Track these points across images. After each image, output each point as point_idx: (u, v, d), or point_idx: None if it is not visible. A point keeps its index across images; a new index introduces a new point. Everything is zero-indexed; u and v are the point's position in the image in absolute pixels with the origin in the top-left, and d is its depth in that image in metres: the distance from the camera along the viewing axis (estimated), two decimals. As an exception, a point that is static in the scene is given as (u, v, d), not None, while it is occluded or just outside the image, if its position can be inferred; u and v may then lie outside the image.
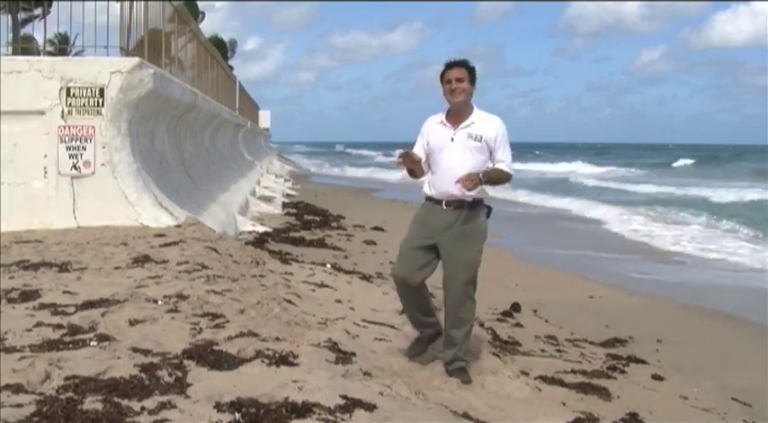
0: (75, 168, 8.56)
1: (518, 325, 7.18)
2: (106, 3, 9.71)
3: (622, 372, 5.74)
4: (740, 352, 6.97)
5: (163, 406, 3.00)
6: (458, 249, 4.50)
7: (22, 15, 26.94)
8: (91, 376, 3.30)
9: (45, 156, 8.59)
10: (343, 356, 4.04)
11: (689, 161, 67.17)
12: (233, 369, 3.56)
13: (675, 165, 64.28)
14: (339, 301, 6.40)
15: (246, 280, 6.16)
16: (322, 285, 7.02)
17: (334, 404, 3.11)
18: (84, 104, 8.55)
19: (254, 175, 22.84)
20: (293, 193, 23.57)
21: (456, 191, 4.44)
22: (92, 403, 2.99)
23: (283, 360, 3.72)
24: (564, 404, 4.55)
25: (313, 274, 7.65)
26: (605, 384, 5.14)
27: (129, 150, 8.74)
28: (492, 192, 4.69)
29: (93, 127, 8.56)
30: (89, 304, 4.76)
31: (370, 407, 3.16)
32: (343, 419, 3.00)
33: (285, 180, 28.34)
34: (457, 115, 4.54)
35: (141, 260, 6.43)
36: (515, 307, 7.83)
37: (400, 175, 32.16)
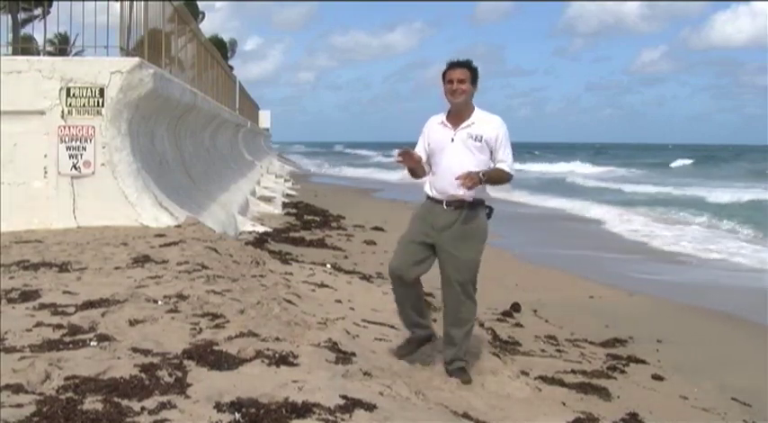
0: (75, 168, 8.56)
1: (518, 325, 7.18)
2: (106, 3, 9.72)
3: (622, 372, 5.74)
4: (740, 352, 6.97)
5: (163, 406, 3.00)
6: (458, 249, 4.49)
7: (22, 15, 26.93)
8: (91, 376, 3.30)
9: (45, 156, 8.59)
10: (343, 356, 4.04)
11: (687, 161, 67.16)
12: (233, 369, 3.56)
13: (673, 165, 64.28)
14: (339, 301, 6.40)
15: (246, 280, 6.16)
16: (322, 285, 7.02)
17: (334, 404, 3.11)
18: (84, 104, 8.56)
19: (254, 175, 22.84)
20: (293, 193, 23.58)
21: (456, 191, 4.43)
22: (92, 403, 2.99)
23: (283, 360, 3.72)
24: (564, 404, 4.55)
25: (313, 274, 7.65)
26: (605, 384, 5.14)
27: (129, 150, 8.74)
28: (491, 192, 4.68)
29: (93, 127, 8.56)
30: (89, 304, 4.76)
31: (370, 407, 3.16)
32: (343, 419, 3.00)
33: (285, 180, 28.35)
34: (457, 115, 4.53)
35: (141, 260, 6.43)
36: (515, 307, 7.83)
37: (400, 174, 32.19)
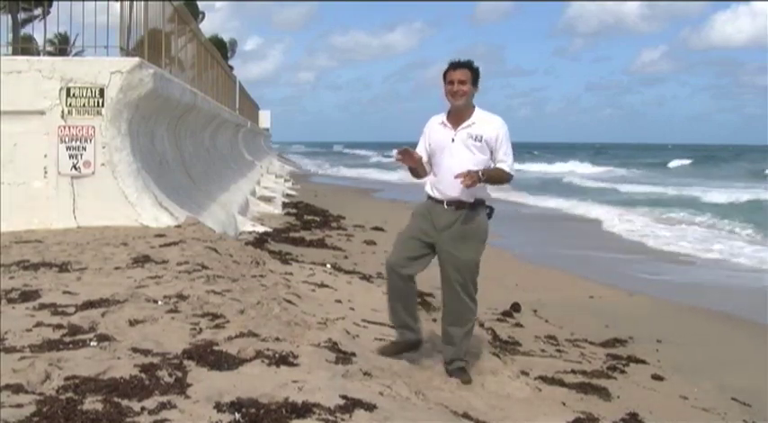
0: (75, 168, 8.56)
1: (518, 325, 7.18)
2: (106, 3, 9.72)
3: (622, 372, 5.73)
4: (740, 352, 6.98)
5: (163, 406, 3.00)
6: (458, 249, 4.49)
7: (22, 15, 26.93)
8: (91, 376, 3.30)
9: (45, 156, 8.59)
10: (343, 356, 4.04)
11: (685, 161, 67.16)
12: (233, 369, 3.56)
13: (671, 165, 64.29)
14: (339, 301, 6.40)
15: (246, 280, 6.16)
16: (322, 285, 7.02)
17: (334, 404, 3.11)
18: (84, 104, 8.55)
19: (254, 175, 22.84)
20: (293, 193, 23.58)
21: (457, 193, 4.43)
22: (92, 403, 2.99)
23: (283, 360, 3.72)
24: (564, 404, 4.55)
25: (313, 274, 7.65)
26: (605, 384, 5.14)
27: (129, 150, 8.74)
28: (491, 192, 4.68)
29: (93, 127, 8.56)
30: (89, 304, 4.76)
31: (370, 407, 3.16)
32: (343, 419, 3.00)
33: (285, 180, 28.35)
34: (458, 116, 4.53)
35: (141, 260, 6.43)
36: (515, 307, 7.83)
37: (400, 174, 32.19)
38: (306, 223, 14.85)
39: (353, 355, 4.19)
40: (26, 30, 24.45)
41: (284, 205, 18.46)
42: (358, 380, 3.65)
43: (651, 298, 9.35)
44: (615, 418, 4.45)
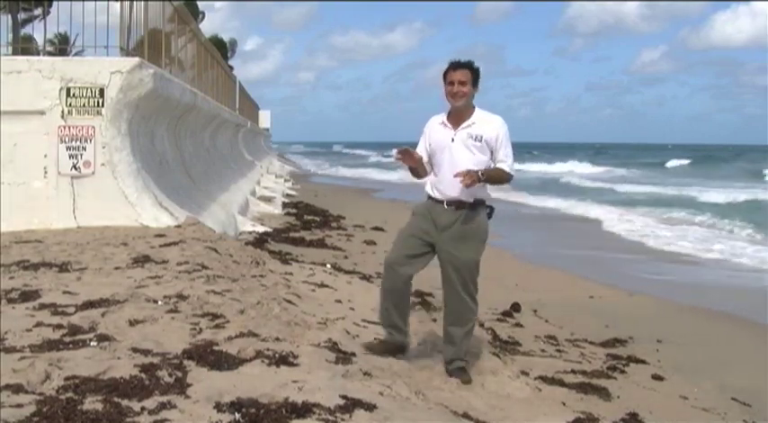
0: (75, 168, 8.56)
1: (518, 325, 7.18)
2: (106, 3, 9.72)
3: (622, 372, 5.73)
4: (740, 352, 6.97)
5: (163, 406, 3.00)
6: (458, 249, 4.49)
7: (22, 15, 26.93)
8: (91, 376, 3.30)
9: (45, 156, 8.59)
10: (343, 356, 4.04)
11: (684, 161, 67.17)
12: (233, 369, 3.56)
13: (669, 165, 64.32)
14: (339, 301, 6.40)
15: (246, 280, 6.16)
16: (322, 285, 7.01)
17: (334, 404, 3.11)
18: (84, 104, 8.55)
19: (254, 175, 22.84)
20: (293, 193, 23.57)
21: (457, 193, 4.42)
22: (92, 403, 2.99)
23: (283, 360, 3.72)
24: (564, 404, 4.55)
25: (313, 274, 7.65)
26: (605, 384, 5.14)
27: (129, 150, 8.74)
28: (491, 192, 4.68)
29: (93, 127, 8.56)
30: (89, 304, 4.76)
31: (370, 407, 3.16)
32: (343, 419, 3.01)
33: (285, 180, 28.35)
34: (458, 116, 4.53)
35: (141, 260, 6.43)
36: (515, 307, 7.83)
37: (400, 174, 32.18)
38: (306, 223, 14.85)
39: (353, 355, 4.20)
40: (26, 30, 24.46)
41: (284, 205, 18.46)
42: (358, 380, 3.65)
43: (651, 298, 9.35)
44: (615, 418, 4.45)
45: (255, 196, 18.17)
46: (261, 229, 12.71)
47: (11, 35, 18.49)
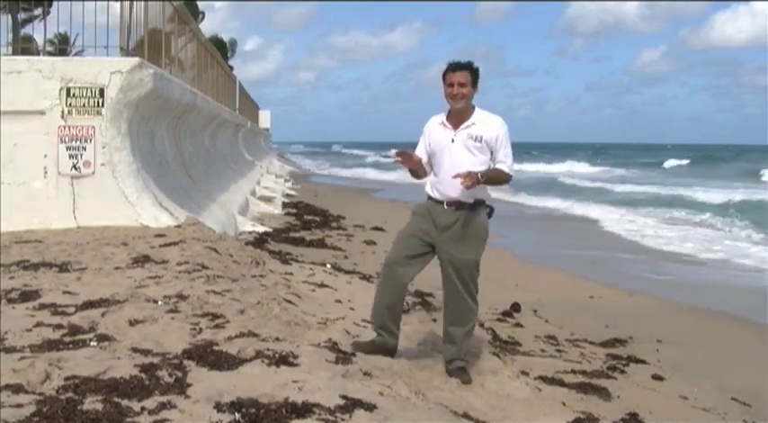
0: (75, 168, 8.56)
1: (518, 325, 7.18)
2: (106, 3, 9.72)
3: (622, 372, 5.73)
4: (740, 352, 6.97)
5: (163, 406, 3.00)
6: (458, 250, 4.48)
7: (22, 15, 26.94)
8: (91, 376, 3.30)
9: (45, 156, 8.59)
10: (343, 356, 4.05)
11: (681, 161, 67.19)
12: (233, 369, 3.56)
13: (666, 165, 64.35)
14: (339, 301, 6.40)
15: (246, 280, 6.16)
16: (322, 285, 7.02)
17: (334, 404, 3.11)
18: (84, 104, 8.56)
19: (253, 175, 22.84)
20: (293, 193, 23.57)
21: (457, 193, 4.41)
22: (92, 403, 2.99)
23: (283, 360, 3.72)
24: (564, 404, 4.55)
25: (313, 274, 7.65)
26: (605, 384, 5.14)
27: (129, 150, 8.74)
28: (491, 192, 4.68)
29: (93, 127, 8.56)
30: (89, 304, 4.76)
31: (370, 407, 3.16)
32: (343, 419, 3.01)
33: (285, 180, 28.35)
34: (458, 116, 4.51)
35: (141, 260, 6.43)
36: (515, 307, 7.83)
37: (398, 174, 32.16)
38: (306, 223, 14.86)
39: (353, 355, 4.20)
40: (26, 30, 24.46)
41: (284, 205, 18.46)
42: (358, 380, 3.65)
43: (651, 298, 9.35)
44: (615, 418, 4.45)
45: (255, 196, 18.17)
46: (261, 229, 12.72)
47: (11, 35, 18.49)
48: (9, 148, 8.62)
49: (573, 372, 5.40)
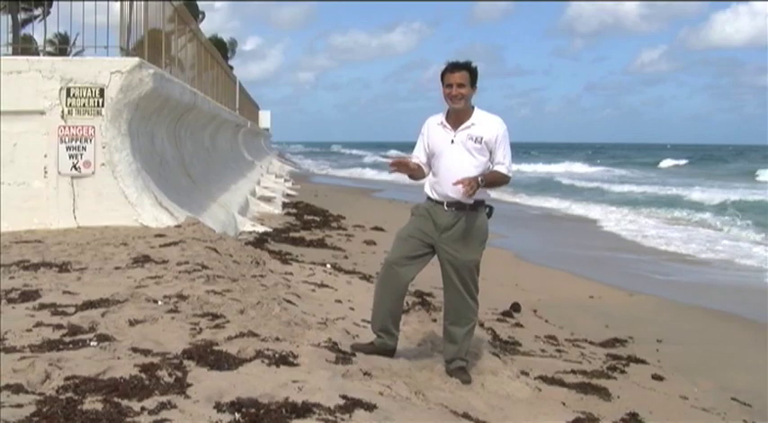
0: (75, 168, 8.56)
1: (518, 325, 7.17)
2: (106, 3, 9.73)
3: (622, 372, 5.73)
4: (740, 352, 6.97)
5: (163, 406, 3.00)
6: (459, 250, 4.47)
7: (22, 15, 26.96)
8: (91, 376, 3.31)
9: (45, 156, 8.60)
10: (343, 356, 4.05)
11: (679, 161, 67.27)
12: (233, 369, 3.56)
13: (662, 165, 64.42)
14: (339, 301, 6.40)
15: (246, 280, 6.16)
16: (322, 285, 7.02)
17: (334, 404, 3.11)
18: (84, 104, 8.56)
19: (253, 175, 22.84)
20: (293, 193, 23.57)
21: (457, 195, 4.40)
22: (92, 403, 2.99)
23: (283, 360, 3.72)
24: (564, 404, 4.55)
25: (313, 274, 7.66)
26: (605, 384, 5.14)
27: (129, 150, 8.74)
28: (491, 192, 4.67)
29: (93, 127, 8.56)
30: (89, 304, 4.76)
31: (370, 407, 3.17)
32: (343, 419, 3.01)
33: (285, 180, 28.35)
34: (457, 117, 4.48)
35: (141, 260, 6.43)
36: (515, 307, 7.82)
37: (394, 175, 32.11)
38: (306, 223, 14.85)
39: (353, 355, 4.20)
40: (26, 30, 24.51)
41: (284, 205, 18.46)
42: (358, 380, 3.65)
43: (651, 297, 9.35)
44: (615, 418, 4.45)
45: (255, 196, 18.17)
46: (261, 229, 12.72)
47: (11, 35, 18.48)
48: (9, 148, 8.62)
49: (573, 372, 5.40)
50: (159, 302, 4.85)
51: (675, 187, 32.01)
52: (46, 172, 8.61)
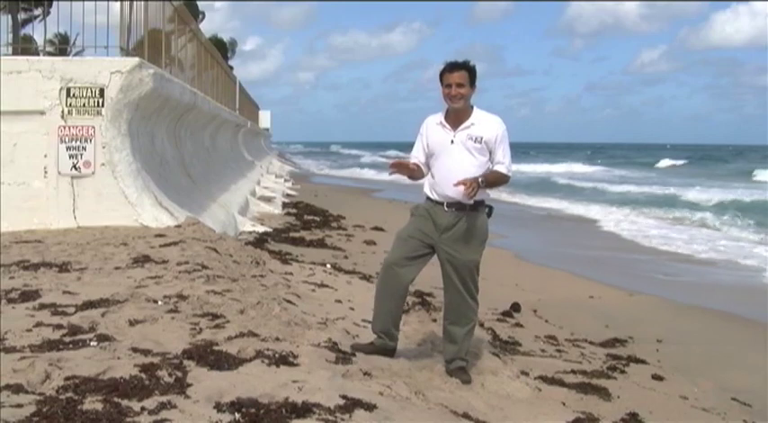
0: (75, 168, 8.56)
1: (518, 325, 7.17)
2: (106, 3, 9.73)
3: (622, 372, 5.73)
4: (740, 352, 6.97)
5: (163, 406, 3.00)
6: (459, 250, 4.47)
7: (22, 15, 26.96)
8: (91, 376, 3.31)
9: (45, 156, 8.60)
10: (343, 356, 4.05)
11: (676, 162, 67.32)
12: (233, 369, 3.56)
13: (660, 165, 64.44)
14: (339, 301, 6.40)
15: (246, 280, 6.16)
16: (322, 285, 7.02)
17: (334, 404, 3.11)
18: (84, 104, 8.56)
19: (253, 175, 22.84)
20: (293, 193, 23.57)
21: (457, 196, 4.39)
22: (92, 403, 2.99)
23: (283, 360, 3.72)
24: (564, 404, 4.55)
25: (313, 274, 7.66)
26: (605, 384, 5.14)
27: (129, 150, 8.74)
28: (491, 192, 4.67)
29: (93, 127, 8.56)
30: (89, 304, 4.76)
31: (370, 407, 3.17)
32: (343, 419, 3.01)
33: (285, 180, 28.35)
34: (457, 116, 4.47)
35: (141, 260, 6.43)
36: (515, 307, 7.83)
37: (393, 176, 32.11)
38: (306, 223, 14.85)
39: (353, 355, 4.20)
40: (26, 30, 24.51)
41: (284, 205, 18.46)
42: (358, 380, 3.65)
43: (651, 298, 9.35)
44: (615, 418, 4.45)
45: (255, 196, 18.17)
46: (261, 229, 12.72)
47: (11, 35, 18.48)
48: (9, 148, 8.62)
49: (573, 372, 5.40)
50: (159, 302, 4.85)
51: (675, 187, 32.05)
52: (46, 172, 8.61)
